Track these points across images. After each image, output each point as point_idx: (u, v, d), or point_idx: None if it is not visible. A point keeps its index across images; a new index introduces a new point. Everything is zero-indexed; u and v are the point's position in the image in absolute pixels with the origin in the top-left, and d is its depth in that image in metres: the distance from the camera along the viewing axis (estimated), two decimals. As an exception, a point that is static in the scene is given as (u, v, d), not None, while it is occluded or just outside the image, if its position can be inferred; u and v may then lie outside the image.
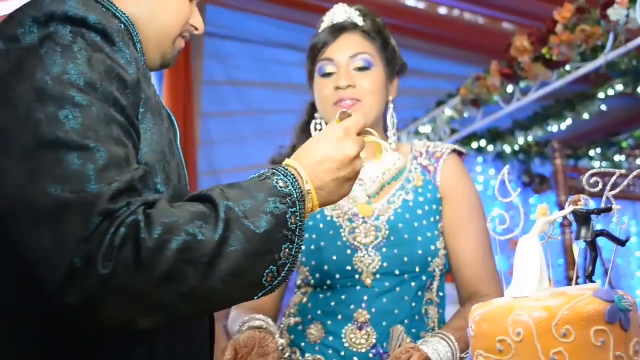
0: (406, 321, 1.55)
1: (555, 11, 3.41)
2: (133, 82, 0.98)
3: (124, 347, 0.99)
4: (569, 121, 5.04)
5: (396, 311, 1.55)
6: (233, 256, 0.91)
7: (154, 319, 0.91)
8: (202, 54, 4.31)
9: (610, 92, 4.70)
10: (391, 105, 1.69)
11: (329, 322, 1.58)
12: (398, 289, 1.57)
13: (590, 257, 1.03)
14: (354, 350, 1.54)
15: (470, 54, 4.59)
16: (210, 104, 4.47)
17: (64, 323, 0.92)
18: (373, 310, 1.56)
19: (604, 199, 1.02)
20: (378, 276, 1.57)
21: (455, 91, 4.70)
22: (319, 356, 1.56)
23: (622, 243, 1.03)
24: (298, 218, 1.00)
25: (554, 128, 5.13)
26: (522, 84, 4.01)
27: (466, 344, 1.44)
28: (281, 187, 1.00)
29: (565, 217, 1.06)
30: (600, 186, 1.03)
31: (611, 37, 3.16)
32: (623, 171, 1.04)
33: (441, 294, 1.64)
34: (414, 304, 1.57)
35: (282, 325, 1.64)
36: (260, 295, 0.99)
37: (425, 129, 5.10)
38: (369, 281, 1.58)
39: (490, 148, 5.67)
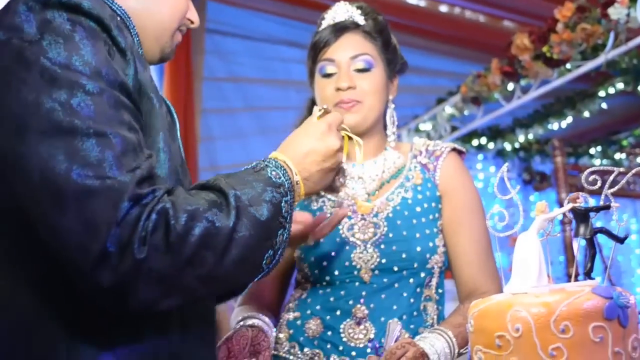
0: (404, 317, 1.55)
1: (555, 10, 3.42)
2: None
3: (138, 324, 1.00)
4: (569, 119, 5.04)
5: (394, 307, 1.56)
6: (242, 242, 0.97)
7: (175, 300, 0.96)
8: (202, 50, 4.31)
9: (611, 91, 4.70)
10: (391, 105, 1.69)
11: (328, 317, 1.58)
12: (396, 285, 1.58)
13: (588, 254, 1.03)
14: (352, 345, 1.54)
15: (470, 52, 4.59)
16: (210, 100, 4.48)
17: (83, 304, 0.94)
18: (371, 305, 1.56)
19: (603, 196, 1.02)
20: (376, 272, 1.58)
21: (455, 89, 4.71)
22: (317, 350, 1.57)
23: (620, 240, 1.04)
24: (289, 206, 1.09)
25: (554, 126, 5.14)
26: (523, 82, 4.01)
27: (464, 340, 1.44)
28: (275, 178, 1.08)
29: (565, 214, 1.06)
30: (600, 184, 1.03)
31: (611, 35, 3.17)
32: (622, 169, 1.04)
33: (440, 291, 1.65)
34: (412, 300, 1.58)
35: (282, 320, 1.65)
36: (259, 276, 1.07)
37: (426, 126, 5.10)
38: (367, 277, 1.58)
39: (491, 145, 5.68)
